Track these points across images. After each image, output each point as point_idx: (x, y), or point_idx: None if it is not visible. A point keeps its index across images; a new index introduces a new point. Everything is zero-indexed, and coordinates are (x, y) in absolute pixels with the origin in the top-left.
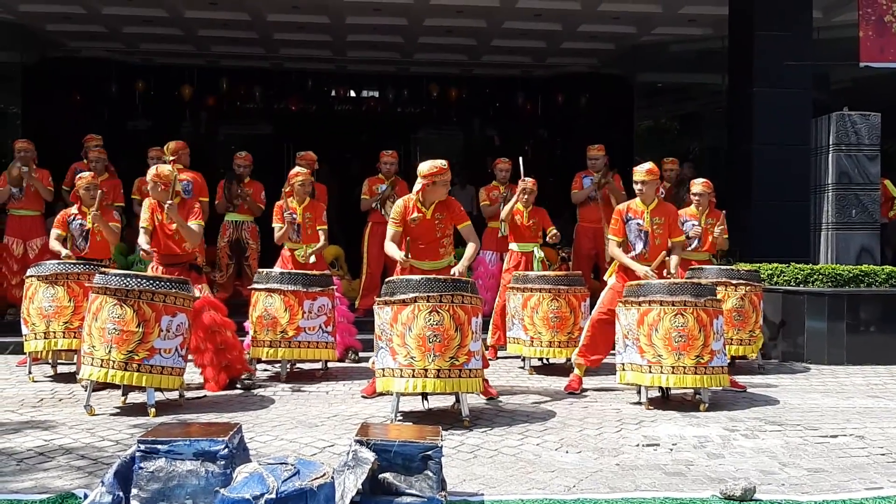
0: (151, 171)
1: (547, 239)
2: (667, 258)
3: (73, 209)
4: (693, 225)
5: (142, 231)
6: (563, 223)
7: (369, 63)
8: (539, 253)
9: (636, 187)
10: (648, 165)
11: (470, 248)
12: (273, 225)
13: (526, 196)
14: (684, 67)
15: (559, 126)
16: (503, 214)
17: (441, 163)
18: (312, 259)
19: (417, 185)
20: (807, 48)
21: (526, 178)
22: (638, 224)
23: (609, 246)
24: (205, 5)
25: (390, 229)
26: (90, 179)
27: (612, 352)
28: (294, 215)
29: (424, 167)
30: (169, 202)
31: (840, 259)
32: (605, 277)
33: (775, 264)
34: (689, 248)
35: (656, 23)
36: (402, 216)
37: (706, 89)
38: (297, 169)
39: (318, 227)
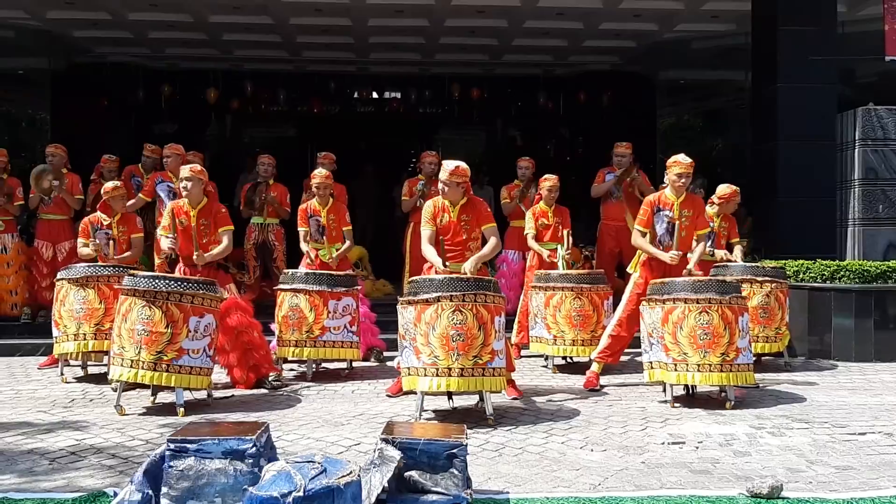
0: (186, 170)
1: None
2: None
3: (102, 216)
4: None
5: (163, 238)
6: (585, 222)
7: (391, 64)
8: (562, 251)
9: (680, 180)
10: (689, 159)
11: (487, 246)
12: (298, 229)
13: (550, 194)
14: (707, 64)
15: (581, 125)
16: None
17: (452, 165)
18: (331, 258)
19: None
20: (831, 43)
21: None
22: (667, 215)
23: (634, 235)
24: (228, 9)
25: (426, 230)
26: (113, 190)
27: (627, 349)
28: (319, 218)
29: (443, 174)
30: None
31: (867, 255)
32: (628, 269)
33: (801, 261)
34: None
35: (678, 20)
36: (433, 215)
37: (729, 86)
38: (315, 171)
39: (343, 228)
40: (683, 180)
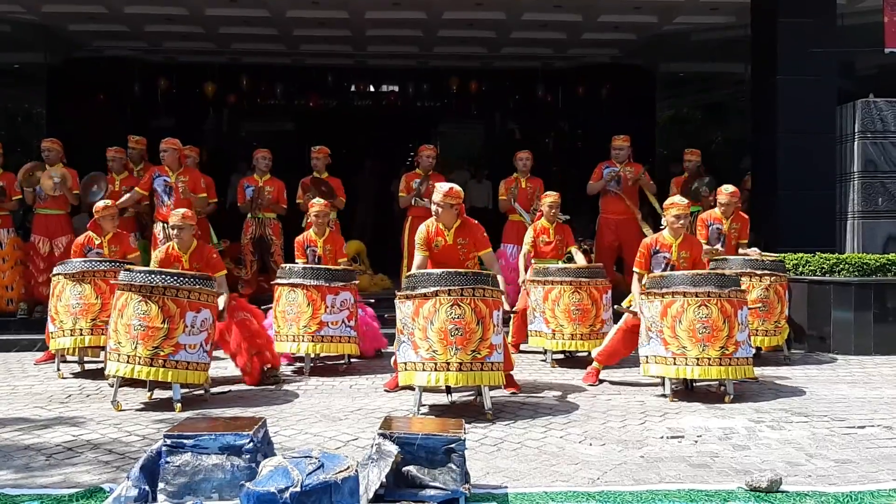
0: (177, 217)
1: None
2: None
3: (94, 236)
4: (718, 228)
5: None
6: (586, 216)
7: (389, 58)
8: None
9: (678, 221)
10: (686, 200)
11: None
12: (296, 261)
13: (551, 211)
14: (707, 57)
15: (580, 118)
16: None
17: (446, 187)
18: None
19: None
20: (831, 35)
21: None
22: (665, 257)
23: (634, 279)
24: (225, 2)
25: (417, 255)
26: (103, 210)
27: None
28: (315, 248)
29: (437, 195)
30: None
31: (866, 248)
32: (623, 305)
33: (801, 254)
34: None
35: (678, 12)
36: (425, 241)
37: (729, 79)
38: (314, 200)
39: (338, 259)
40: (682, 221)
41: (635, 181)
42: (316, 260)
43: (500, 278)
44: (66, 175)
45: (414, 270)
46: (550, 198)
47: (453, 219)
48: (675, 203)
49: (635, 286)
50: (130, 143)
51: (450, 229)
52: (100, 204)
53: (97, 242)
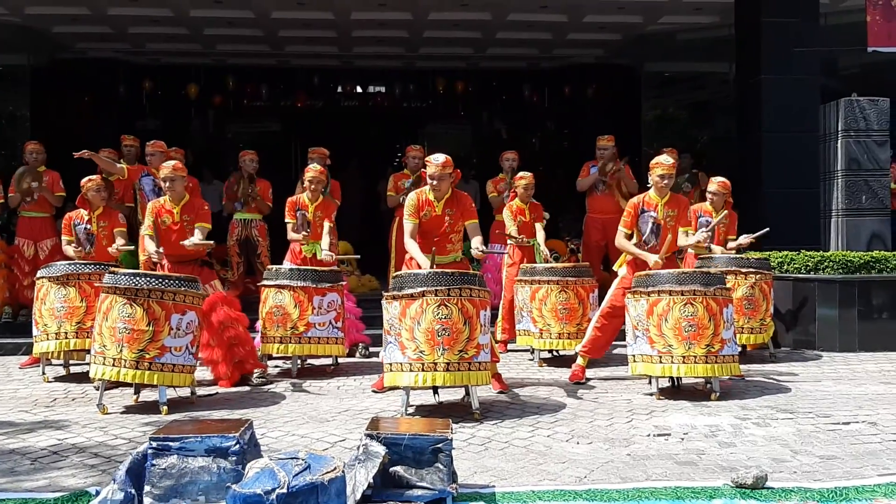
0: (168, 168)
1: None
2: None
3: (83, 212)
4: (708, 221)
5: (147, 239)
6: (572, 215)
7: (375, 58)
8: (539, 245)
9: (663, 181)
10: (671, 160)
11: (475, 241)
12: (286, 221)
13: (526, 192)
14: (692, 56)
15: (566, 117)
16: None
17: (441, 157)
18: (324, 255)
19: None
20: (814, 34)
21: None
22: (652, 216)
23: (617, 237)
24: (210, 4)
25: (408, 224)
26: (98, 182)
27: (614, 342)
28: (305, 213)
29: (432, 168)
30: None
31: (851, 245)
32: (614, 267)
33: (786, 252)
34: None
35: (663, 12)
36: (416, 209)
37: (714, 78)
38: (310, 166)
39: (324, 223)
40: (666, 181)
41: (615, 171)
42: (305, 224)
43: (478, 239)
44: (39, 177)
45: (406, 238)
46: (525, 180)
47: (448, 188)
48: (660, 163)
49: (620, 241)
50: (126, 143)
51: (440, 200)
52: (86, 179)
53: (86, 218)
